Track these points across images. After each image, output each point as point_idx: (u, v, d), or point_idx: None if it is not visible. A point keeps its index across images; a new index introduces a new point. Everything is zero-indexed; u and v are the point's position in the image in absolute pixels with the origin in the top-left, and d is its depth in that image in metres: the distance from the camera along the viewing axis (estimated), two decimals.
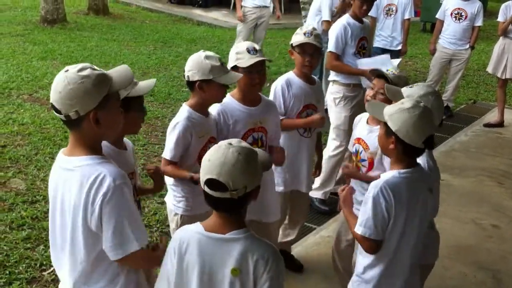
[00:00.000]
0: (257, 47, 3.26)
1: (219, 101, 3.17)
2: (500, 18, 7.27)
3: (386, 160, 3.04)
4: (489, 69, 7.66)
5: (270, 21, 9.57)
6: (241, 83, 3.25)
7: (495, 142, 7.00)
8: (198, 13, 15.33)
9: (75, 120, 2.09)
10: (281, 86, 3.75)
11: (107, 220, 2.08)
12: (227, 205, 2.02)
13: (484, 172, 5.99)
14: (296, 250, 4.26)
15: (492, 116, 7.82)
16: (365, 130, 3.33)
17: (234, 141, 2.07)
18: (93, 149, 2.15)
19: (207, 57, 3.00)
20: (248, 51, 3.19)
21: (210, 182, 2.00)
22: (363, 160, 3.30)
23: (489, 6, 15.02)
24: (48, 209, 4.41)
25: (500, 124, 7.53)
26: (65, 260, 2.24)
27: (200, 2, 16.34)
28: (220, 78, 2.99)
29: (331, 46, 4.91)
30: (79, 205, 2.10)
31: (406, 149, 2.50)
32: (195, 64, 3.02)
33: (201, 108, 3.11)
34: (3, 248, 3.99)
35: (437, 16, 7.89)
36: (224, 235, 2.04)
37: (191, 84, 3.04)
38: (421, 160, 2.74)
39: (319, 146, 4.13)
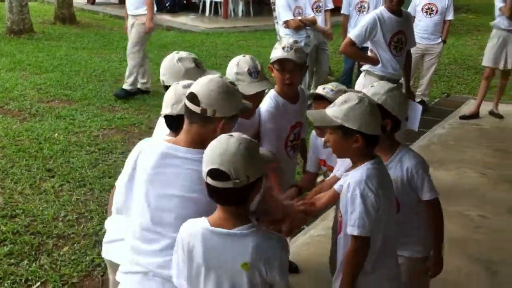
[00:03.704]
0: (259, 66, 3.05)
1: None
2: (500, 3, 7.13)
3: None
4: (487, 62, 7.50)
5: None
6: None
7: (473, 134, 7.06)
8: (167, 18, 15.19)
9: (205, 117, 2.23)
10: (269, 108, 3.32)
11: None
12: (231, 196, 2.04)
13: (465, 164, 6.03)
14: None
15: (467, 108, 7.88)
16: None
17: (234, 133, 2.10)
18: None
19: (180, 59, 2.85)
20: (250, 73, 3.01)
21: (212, 173, 2.02)
22: None
23: (456, 2, 15.22)
24: (28, 223, 4.33)
25: (476, 115, 7.59)
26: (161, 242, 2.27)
27: (168, 7, 16.22)
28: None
29: (353, 34, 4.78)
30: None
31: (369, 141, 2.50)
32: (168, 68, 2.87)
33: None
34: None
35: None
36: (232, 230, 2.07)
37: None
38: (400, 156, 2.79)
39: (304, 152, 3.77)
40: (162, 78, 2.90)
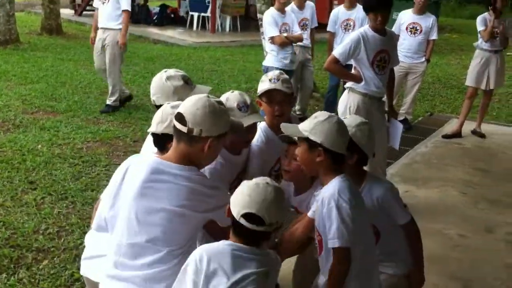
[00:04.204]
0: (248, 100, 2.97)
1: None
2: (481, 27, 7.29)
3: None
4: (470, 82, 7.60)
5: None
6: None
7: (455, 153, 7.12)
8: (154, 31, 15.25)
9: (192, 137, 2.31)
10: (259, 143, 3.28)
11: None
12: (259, 237, 2.23)
13: (447, 182, 6.07)
14: None
15: (450, 127, 7.96)
16: None
17: (268, 179, 2.28)
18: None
19: (168, 78, 2.87)
20: (239, 108, 2.92)
21: (249, 217, 2.19)
22: None
23: (440, 22, 15.42)
24: (8, 236, 4.29)
25: (459, 134, 7.66)
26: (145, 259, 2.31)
27: (156, 21, 16.28)
28: (186, 97, 2.86)
29: (337, 51, 4.84)
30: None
31: (335, 158, 2.57)
32: (157, 88, 2.90)
33: None
34: None
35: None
36: (258, 249, 2.26)
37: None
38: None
39: None
40: (152, 98, 2.93)
